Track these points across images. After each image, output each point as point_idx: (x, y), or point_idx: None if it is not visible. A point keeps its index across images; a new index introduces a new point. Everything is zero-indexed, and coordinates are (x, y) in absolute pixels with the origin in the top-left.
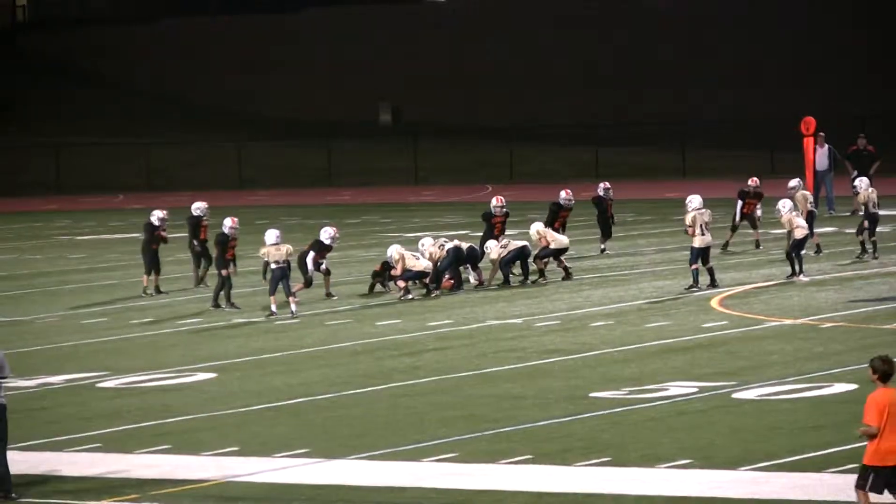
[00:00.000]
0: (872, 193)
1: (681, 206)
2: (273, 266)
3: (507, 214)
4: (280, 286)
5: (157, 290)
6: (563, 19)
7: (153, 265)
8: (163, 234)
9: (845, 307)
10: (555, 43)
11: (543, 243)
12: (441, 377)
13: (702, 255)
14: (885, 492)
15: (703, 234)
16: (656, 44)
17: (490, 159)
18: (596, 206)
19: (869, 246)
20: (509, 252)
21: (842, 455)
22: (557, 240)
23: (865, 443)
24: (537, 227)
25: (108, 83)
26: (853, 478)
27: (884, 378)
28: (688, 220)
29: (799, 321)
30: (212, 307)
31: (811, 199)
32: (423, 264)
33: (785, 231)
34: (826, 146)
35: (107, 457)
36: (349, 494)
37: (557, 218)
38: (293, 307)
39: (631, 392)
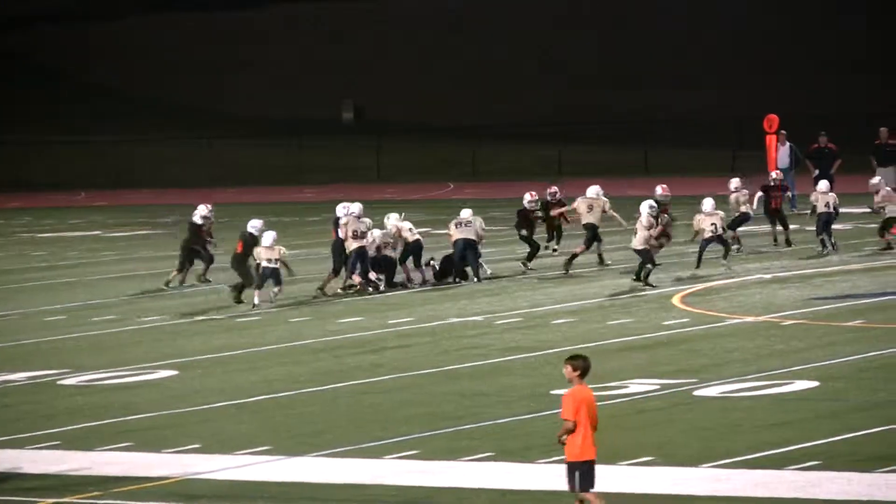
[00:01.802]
0: (827, 196)
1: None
2: (264, 264)
3: (559, 202)
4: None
5: (181, 284)
6: (528, 19)
7: (187, 261)
8: (204, 233)
9: (806, 305)
10: (519, 42)
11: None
12: (402, 375)
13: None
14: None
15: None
16: (622, 44)
17: (453, 157)
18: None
19: (828, 247)
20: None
21: (802, 452)
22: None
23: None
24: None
25: (74, 81)
26: (814, 475)
27: (583, 375)
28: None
29: (760, 318)
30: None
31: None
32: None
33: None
34: (788, 144)
35: (68, 454)
36: (311, 492)
37: (528, 221)
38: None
39: (592, 389)
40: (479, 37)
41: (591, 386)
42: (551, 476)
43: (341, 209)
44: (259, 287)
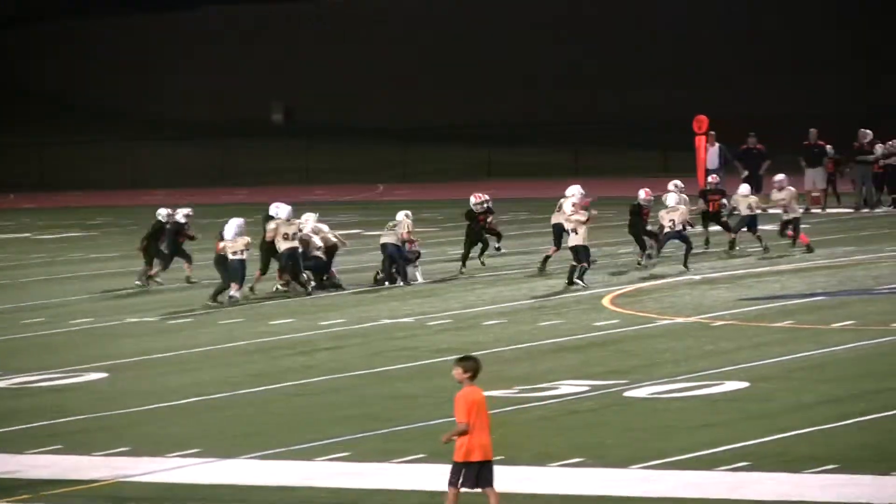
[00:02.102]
0: (748, 198)
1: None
2: (231, 257)
3: (489, 210)
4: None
5: (150, 280)
6: (461, 20)
7: (167, 259)
8: (189, 232)
9: (736, 305)
10: (449, 44)
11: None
12: (334, 376)
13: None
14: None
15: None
16: (552, 46)
17: (383, 159)
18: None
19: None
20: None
21: (733, 453)
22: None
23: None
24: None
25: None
26: (744, 475)
27: (474, 376)
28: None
29: (690, 319)
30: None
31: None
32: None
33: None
34: (717, 145)
35: None
36: (242, 494)
37: (477, 225)
38: (234, 293)
39: (523, 391)
40: (410, 38)
41: (522, 387)
42: None
43: (274, 209)
44: (233, 281)
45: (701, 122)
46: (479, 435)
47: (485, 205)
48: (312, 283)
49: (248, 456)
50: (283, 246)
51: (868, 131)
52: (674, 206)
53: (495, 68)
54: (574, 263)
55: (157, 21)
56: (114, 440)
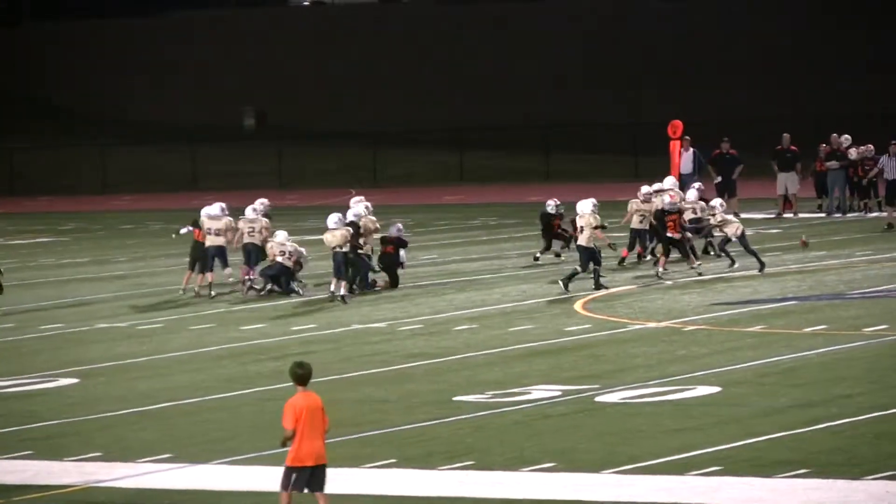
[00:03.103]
0: (734, 224)
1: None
2: (209, 242)
3: (561, 216)
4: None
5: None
6: (426, 25)
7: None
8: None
9: (708, 310)
10: (420, 47)
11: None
12: None
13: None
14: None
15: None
16: (522, 50)
17: (355, 163)
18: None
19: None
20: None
21: (705, 457)
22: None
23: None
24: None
25: None
26: (716, 480)
27: (301, 382)
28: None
29: (662, 324)
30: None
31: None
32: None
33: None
34: (691, 150)
35: None
36: (213, 499)
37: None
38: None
39: (495, 396)
40: (380, 42)
41: (494, 392)
42: (453, 482)
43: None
44: (203, 271)
45: (675, 126)
46: (310, 440)
47: (559, 209)
48: (268, 287)
49: (220, 461)
50: (207, 243)
51: (846, 136)
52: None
53: (466, 73)
54: (577, 268)
55: (129, 25)
56: (85, 445)
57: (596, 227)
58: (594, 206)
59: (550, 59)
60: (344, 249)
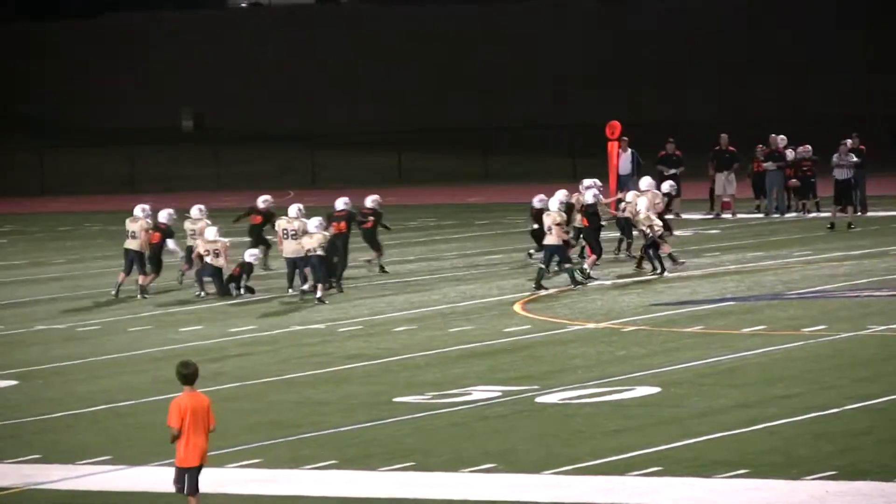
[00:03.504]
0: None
1: (483, 211)
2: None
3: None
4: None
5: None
6: (367, 28)
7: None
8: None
9: (647, 311)
10: (358, 50)
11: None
12: (244, 383)
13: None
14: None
15: None
16: (459, 52)
17: (292, 165)
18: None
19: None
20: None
21: (644, 458)
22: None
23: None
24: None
25: None
26: (656, 480)
27: (186, 382)
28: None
29: (601, 325)
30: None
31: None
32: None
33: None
34: (629, 151)
35: None
36: (151, 501)
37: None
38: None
39: (434, 397)
40: (317, 45)
41: (433, 393)
42: (393, 483)
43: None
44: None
45: (613, 127)
46: (194, 440)
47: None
48: (202, 293)
49: (159, 463)
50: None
51: (782, 137)
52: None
53: (404, 74)
54: (568, 266)
55: (67, 27)
56: (23, 448)
57: (559, 224)
58: (561, 203)
59: (492, 61)
60: (318, 253)
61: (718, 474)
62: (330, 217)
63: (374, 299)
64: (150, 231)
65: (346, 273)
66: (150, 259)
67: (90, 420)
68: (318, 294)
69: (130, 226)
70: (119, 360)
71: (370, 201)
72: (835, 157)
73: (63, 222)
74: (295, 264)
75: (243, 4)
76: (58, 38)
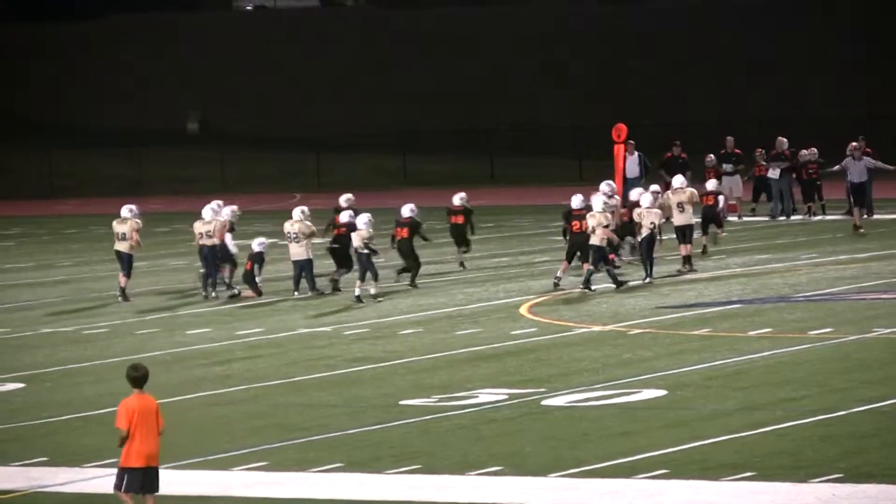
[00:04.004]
0: (651, 212)
1: (488, 212)
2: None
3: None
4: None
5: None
6: (367, 31)
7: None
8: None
9: (653, 313)
10: (363, 52)
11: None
12: (251, 386)
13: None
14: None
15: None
16: (465, 55)
17: (298, 168)
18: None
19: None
20: None
21: (651, 460)
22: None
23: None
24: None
25: None
26: (662, 483)
27: (135, 384)
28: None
29: (608, 328)
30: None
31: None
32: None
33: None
34: (636, 154)
35: None
36: (159, 503)
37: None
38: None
39: (441, 399)
40: (322, 47)
41: (440, 395)
42: (400, 486)
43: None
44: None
45: (620, 130)
46: (142, 442)
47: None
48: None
49: (165, 465)
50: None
51: (783, 139)
52: (649, 205)
53: (409, 77)
54: (590, 267)
55: (72, 29)
56: (30, 450)
57: (606, 226)
58: (605, 204)
59: (496, 63)
60: (365, 251)
61: (725, 477)
62: (396, 223)
63: (380, 302)
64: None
65: (353, 276)
66: (221, 256)
67: (97, 423)
68: (372, 291)
69: (119, 227)
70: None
71: (458, 199)
72: (847, 161)
73: (70, 225)
74: (301, 267)
75: (249, 7)
76: (63, 41)
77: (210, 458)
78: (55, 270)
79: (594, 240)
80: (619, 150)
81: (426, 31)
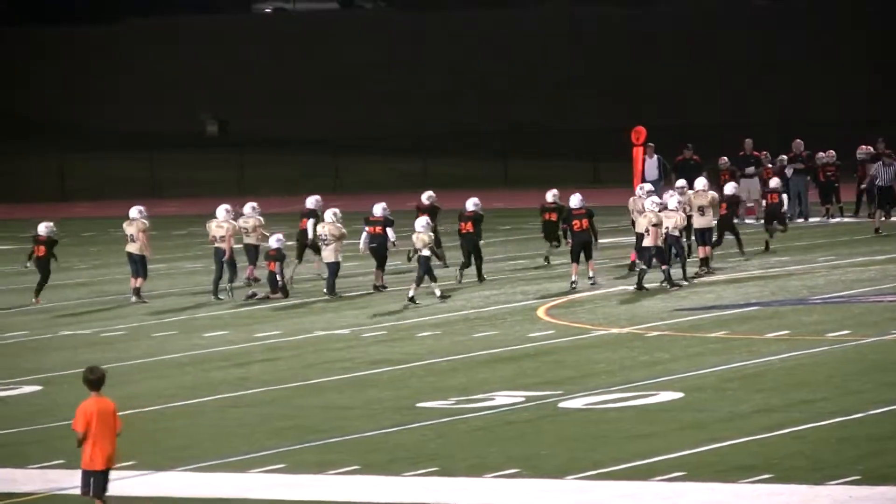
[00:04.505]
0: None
1: (504, 215)
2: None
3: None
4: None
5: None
6: (382, 34)
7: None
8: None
9: (670, 316)
10: (377, 56)
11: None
12: (269, 388)
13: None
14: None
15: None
16: (479, 57)
17: (315, 170)
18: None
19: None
20: None
21: (668, 463)
22: None
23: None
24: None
25: None
26: (679, 485)
27: (92, 387)
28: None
29: (625, 330)
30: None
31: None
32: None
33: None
34: (655, 156)
35: None
36: None
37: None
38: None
39: (458, 402)
40: (342, 49)
41: (457, 398)
42: (417, 489)
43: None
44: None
45: (639, 132)
46: (102, 444)
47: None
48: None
49: (184, 468)
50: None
51: (800, 141)
52: (674, 207)
53: (425, 79)
54: (643, 267)
55: (88, 32)
56: (48, 453)
57: (655, 225)
58: (654, 203)
59: (511, 65)
60: (425, 253)
61: (742, 479)
62: (459, 216)
63: (397, 304)
64: (147, 231)
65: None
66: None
67: None
68: (437, 292)
69: (128, 229)
70: (144, 366)
71: (471, 204)
72: (878, 166)
73: (86, 228)
74: (332, 271)
75: (268, 10)
76: (80, 43)
77: (228, 460)
78: (73, 273)
79: (647, 241)
80: (637, 152)
81: (443, 34)
